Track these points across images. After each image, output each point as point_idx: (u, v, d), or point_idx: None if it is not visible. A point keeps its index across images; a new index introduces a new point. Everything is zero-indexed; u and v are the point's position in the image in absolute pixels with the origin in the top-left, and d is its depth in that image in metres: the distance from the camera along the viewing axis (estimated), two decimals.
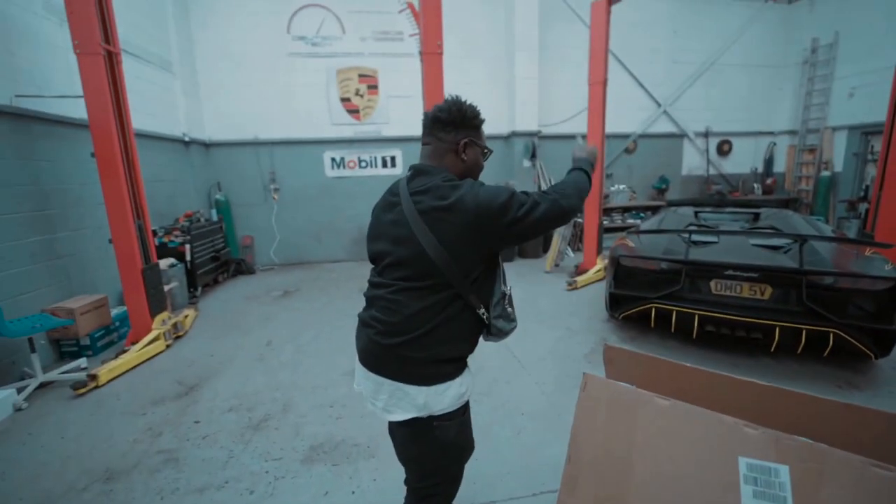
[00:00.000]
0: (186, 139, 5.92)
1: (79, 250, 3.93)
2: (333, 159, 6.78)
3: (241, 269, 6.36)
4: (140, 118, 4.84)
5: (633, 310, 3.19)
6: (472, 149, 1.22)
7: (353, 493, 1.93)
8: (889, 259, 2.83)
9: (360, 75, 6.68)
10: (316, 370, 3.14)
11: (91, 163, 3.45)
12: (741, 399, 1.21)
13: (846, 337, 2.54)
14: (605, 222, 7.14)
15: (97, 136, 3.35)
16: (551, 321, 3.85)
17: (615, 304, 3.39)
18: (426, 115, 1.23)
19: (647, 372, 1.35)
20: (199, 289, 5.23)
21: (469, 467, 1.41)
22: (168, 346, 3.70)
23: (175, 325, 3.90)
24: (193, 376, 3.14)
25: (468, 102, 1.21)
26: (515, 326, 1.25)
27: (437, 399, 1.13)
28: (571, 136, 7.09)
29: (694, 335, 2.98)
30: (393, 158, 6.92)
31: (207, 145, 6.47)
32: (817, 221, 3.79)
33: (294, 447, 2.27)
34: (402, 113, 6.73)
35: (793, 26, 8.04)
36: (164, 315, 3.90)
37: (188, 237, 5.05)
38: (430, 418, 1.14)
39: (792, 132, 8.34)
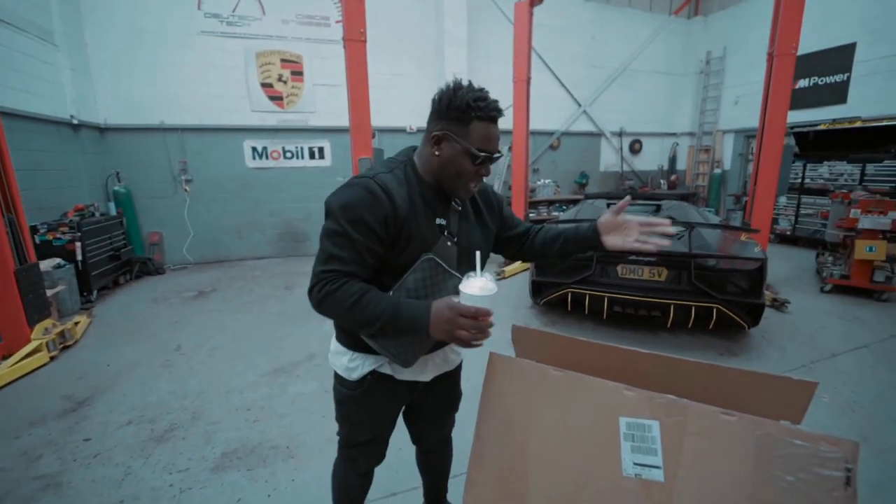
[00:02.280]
0: (75, 122, 5.16)
1: None
2: (255, 149, 6.33)
3: (148, 268, 5.73)
4: (10, 95, 4.15)
5: (553, 295, 3.39)
6: (449, 145, 1.00)
7: (269, 496, 1.83)
8: (759, 243, 3.31)
9: (283, 60, 6.29)
10: (231, 374, 2.93)
11: None
12: (628, 365, 1.34)
13: (726, 311, 2.92)
14: (531, 215, 7.50)
15: None
16: None
17: (537, 290, 3.57)
18: None
19: (550, 348, 1.43)
20: (95, 292, 4.62)
21: (393, 455, 1.42)
22: (53, 358, 3.22)
23: (62, 334, 3.41)
24: (84, 389, 2.77)
25: (464, 90, 0.98)
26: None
27: (333, 358, 1.24)
28: (501, 132, 7.31)
29: (604, 316, 3.25)
30: (321, 149, 6.63)
31: (102, 129, 5.70)
32: (708, 212, 4.30)
33: (203, 456, 2.10)
34: (330, 102, 6.46)
35: (692, 39, 9.01)
36: (48, 323, 3.40)
37: (78, 234, 4.43)
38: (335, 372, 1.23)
39: (691, 134, 9.39)
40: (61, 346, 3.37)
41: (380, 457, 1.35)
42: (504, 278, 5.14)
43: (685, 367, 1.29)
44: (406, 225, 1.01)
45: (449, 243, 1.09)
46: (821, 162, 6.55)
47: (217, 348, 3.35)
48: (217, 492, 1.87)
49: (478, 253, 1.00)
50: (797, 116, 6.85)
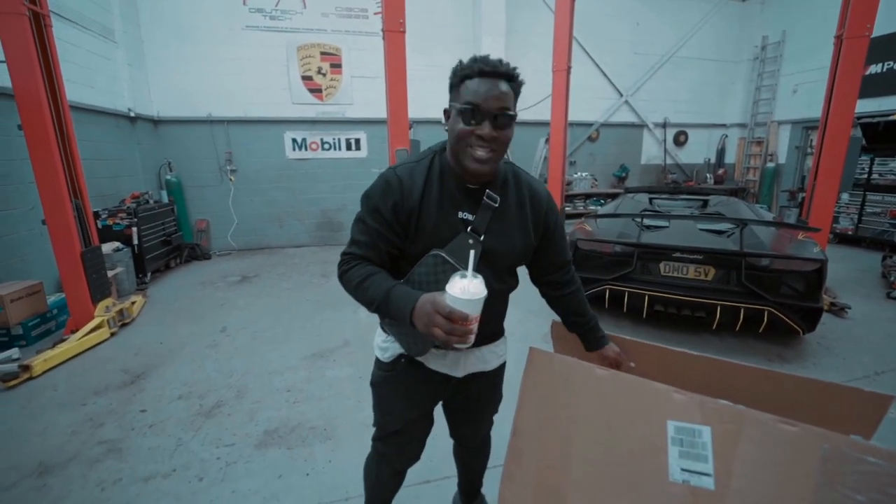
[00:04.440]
0: (132, 114, 5.51)
1: (7, 232, 3.60)
2: (294, 140, 6.53)
3: (196, 254, 6.06)
4: (77, 90, 4.47)
5: (590, 291, 3.30)
6: (451, 116, 1.00)
7: (308, 474, 1.91)
8: (818, 243, 3.07)
9: (323, 53, 6.42)
10: (272, 356, 3.06)
11: (19, 136, 3.14)
12: (675, 368, 1.28)
13: (778, 314, 2.74)
14: (567, 208, 7.32)
15: (24, 107, 3.04)
16: (513, 304, 3.90)
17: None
18: None
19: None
20: (149, 274, 4.95)
21: (429, 444, 1.43)
22: (113, 334, 3.49)
23: (121, 312, 3.68)
24: (140, 365, 2.99)
25: (470, 59, 0.97)
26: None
27: (375, 340, 1.24)
28: (537, 123, 7.16)
29: (644, 315, 3.13)
30: (357, 141, 6.74)
31: (156, 122, 6.05)
32: (760, 209, 4.04)
33: (247, 432, 2.21)
34: (366, 94, 6.55)
35: (746, 23, 8.41)
36: (108, 302, 3.67)
37: (135, 219, 4.74)
38: None
39: (742, 125, 8.81)
40: (120, 323, 3.64)
41: (413, 455, 1.33)
42: None
43: (740, 372, 1.22)
44: (417, 215, 1.01)
45: (471, 241, 1.03)
46: (892, 156, 5.98)
47: (259, 331, 3.51)
48: (260, 467, 1.96)
49: (472, 252, 0.92)
50: (866, 106, 6.27)
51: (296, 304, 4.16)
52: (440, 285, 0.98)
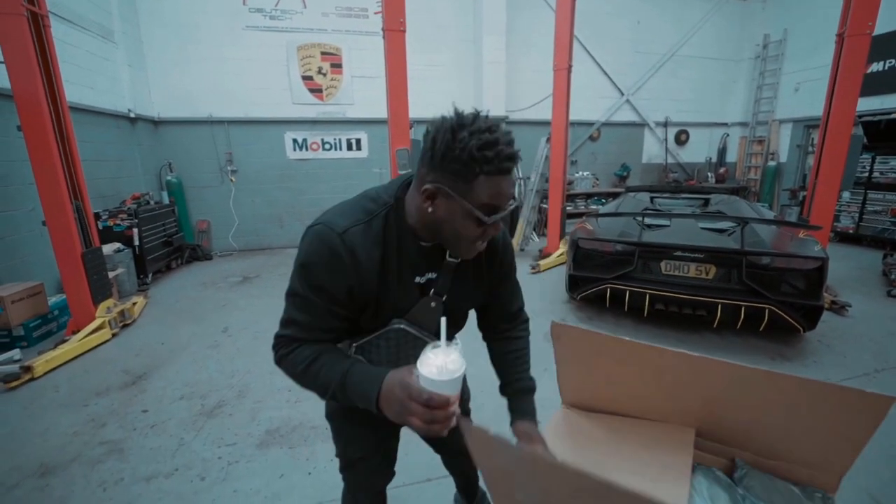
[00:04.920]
0: (132, 115, 5.52)
1: (7, 234, 3.61)
2: (295, 140, 6.53)
3: (197, 254, 6.07)
4: (76, 90, 4.47)
5: (590, 290, 3.30)
6: (446, 203, 0.77)
7: (310, 473, 1.91)
8: (819, 241, 3.07)
9: (323, 53, 6.42)
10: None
11: (19, 137, 3.15)
12: (673, 370, 1.28)
13: (779, 312, 2.74)
14: (568, 208, 7.32)
15: (23, 108, 3.05)
16: None
17: (574, 285, 3.49)
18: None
19: (591, 346, 1.40)
20: (150, 275, 4.95)
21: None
22: (114, 335, 3.49)
23: (122, 313, 3.69)
24: (142, 365, 2.99)
25: (466, 133, 0.71)
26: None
27: None
28: (537, 122, 7.16)
29: (645, 313, 3.13)
30: (358, 141, 6.74)
31: (156, 122, 6.05)
32: (761, 207, 4.03)
33: (249, 432, 2.22)
34: (367, 94, 6.54)
35: (747, 22, 8.39)
36: (110, 303, 3.67)
37: (135, 220, 4.75)
38: None
39: (743, 124, 8.80)
40: (121, 324, 3.65)
41: (388, 474, 1.22)
42: (539, 272, 5.06)
43: (738, 373, 1.22)
44: (376, 296, 0.87)
45: (433, 304, 0.94)
46: (894, 154, 5.97)
47: (261, 332, 3.51)
48: (262, 466, 1.97)
49: (442, 320, 0.76)
50: (868, 104, 6.25)
51: None
52: (405, 358, 0.91)
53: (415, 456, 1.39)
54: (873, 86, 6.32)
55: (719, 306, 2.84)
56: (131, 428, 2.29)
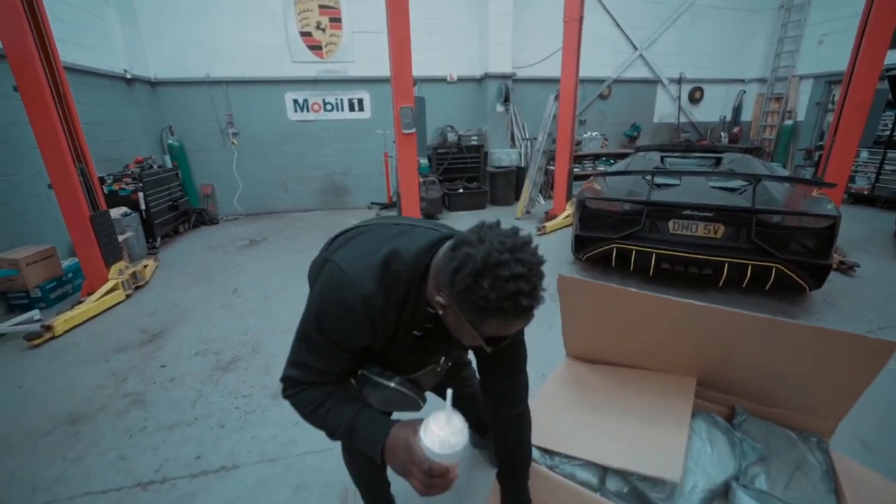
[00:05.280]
0: (128, 76, 5.37)
1: (14, 198, 3.63)
2: (296, 101, 6.36)
3: (203, 219, 6.10)
4: (69, 50, 4.32)
5: (596, 251, 3.30)
6: (456, 319, 0.78)
7: None
8: (832, 199, 3.01)
9: (321, 6, 6.11)
10: (285, 315, 3.14)
11: (16, 98, 3.09)
12: (681, 319, 1.30)
13: (787, 271, 2.73)
14: (575, 169, 7.18)
15: (16, 67, 2.97)
16: None
17: (580, 245, 3.48)
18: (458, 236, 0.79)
19: (596, 298, 1.41)
20: (158, 239, 5.00)
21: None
22: (128, 296, 3.58)
23: (134, 275, 3.76)
24: (157, 324, 3.08)
25: (489, 276, 0.67)
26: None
27: None
28: (546, 80, 6.89)
29: (651, 273, 3.13)
30: (361, 101, 6.55)
31: (153, 84, 5.90)
32: (775, 166, 3.93)
33: (264, 385, 2.31)
34: (368, 51, 6.28)
35: None
36: (121, 265, 3.74)
37: (140, 184, 4.74)
38: None
39: (761, 80, 8.41)
40: (134, 286, 3.73)
41: None
42: (545, 234, 5.04)
43: (744, 322, 1.23)
44: (382, 347, 0.92)
45: (438, 369, 1.05)
46: None
47: (271, 292, 3.58)
48: (277, 415, 2.07)
49: (449, 391, 0.77)
50: None
51: (305, 267, 4.12)
52: (387, 404, 0.99)
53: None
54: None
55: (726, 265, 2.83)
56: (151, 382, 2.39)
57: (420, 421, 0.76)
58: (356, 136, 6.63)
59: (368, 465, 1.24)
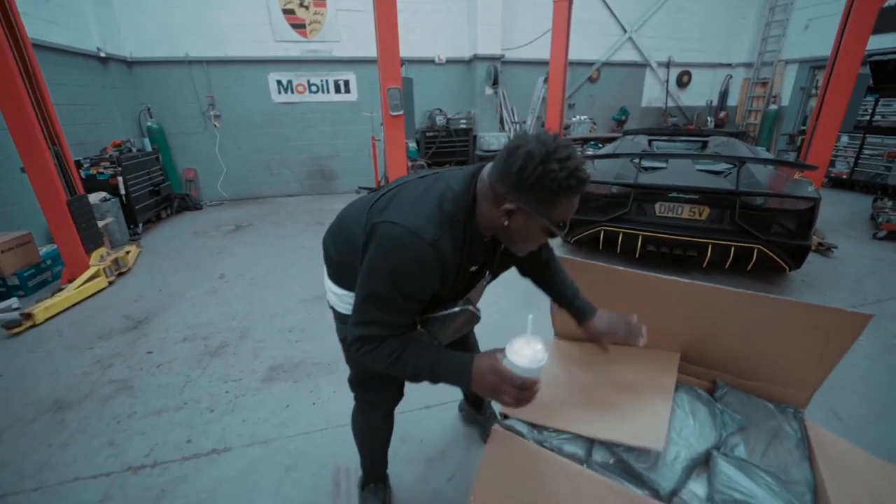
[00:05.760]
0: (102, 54, 5.14)
1: None
2: (279, 82, 6.18)
3: (187, 204, 5.95)
4: (36, 25, 4.12)
5: (584, 233, 3.33)
6: (525, 220, 0.86)
7: (314, 404, 2.02)
8: (813, 182, 3.07)
9: None
10: (272, 300, 3.12)
11: None
12: (661, 294, 1.33)
13: (768, 252, 2.80)
14: None
15: None
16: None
17: (568, 228, 3.50)
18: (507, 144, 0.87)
19: (582, 276, 1.43)
20: (140, 225, 4.88)
21: None
22: (111, 283, 3.51)
23: (116, 262, 3.67)
24: (142, 311, 3.03)
25: (555, 161, 0.79)
26: None
27: (335, 299, 1.18)
28: (535, 62, 6.81)
29: (637, 255, 3.18)
30: (347, 83, 6.40)
31: (129, 63, 5.66)
32: (759, 150, 3.99)
33: (253, 369, 2.31)
34: (354, 30, 6.12)
35: None
36: (102, 251, 3.65)
37: (119, 168, 4.60)
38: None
39: (748, 64, 8.45)
40: (116, 272, 3.65)
41: (400, 393, 1.32)
42: None
43: (722, 297, 1.27)
44: (448, 286, 0.98)
45: (486, 283, 1.11)
46: None
47: (258, 277, 3.54)
48: (267, 398, 2.07)
49: (529, 317, 0.89)
50: (879, 42, 5.99)
51: (292, 251, 4.17)
52: (458, 331, 1.10)
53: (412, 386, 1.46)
54: (887, 22, 6.02)
55: (710, 247, 2.89)
56: (138, 368, 2.37)
57: (495, 350, 0.89)
58: (343, 119, 6.50)
59: (377, 436, 1.35)
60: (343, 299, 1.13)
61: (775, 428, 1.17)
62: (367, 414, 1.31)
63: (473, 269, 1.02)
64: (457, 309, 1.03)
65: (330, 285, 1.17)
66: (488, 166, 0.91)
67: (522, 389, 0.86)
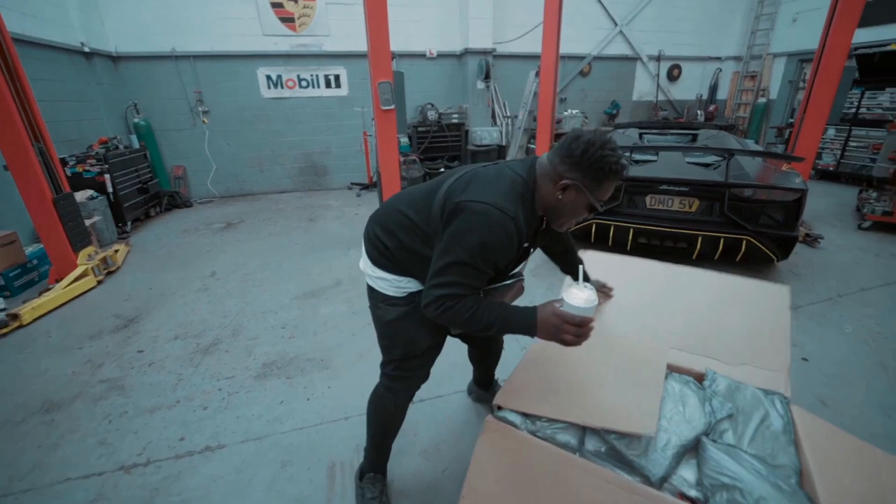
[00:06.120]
0: (86, 49, 5.03)
1: None
2: (269, 77, 6.11)
3: (176, 201, 5.88)
4: (16, 19, 4.02)
5: (576, 227, 3.34)
6: (576, 195, 1.06)
7: (308, 399, 2.02)
8: (800, 174, 3.12)
9: None
10: (265, 297, 3.10)
11: None
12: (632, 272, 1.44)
13: (756, 243, 2.84)
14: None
15: None
16: None
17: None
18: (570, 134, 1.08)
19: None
20: (129, 223, 4.82)
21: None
22: (99, 282, 3.46)
23: (104, 261, 3.62)
24: (132, 309, 3.00)
25: (608, 149, 1.01)
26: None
27: (377, 282, 1.27)
28: (527, 56, 6.80)
29: (628, 247, 3.21)
30: (337, 77, 6.34)
31: (115, 58, 5.55)
32: (748, 142, 4.03)
33: (246, 366, 2.29)
34: (344, 24, 6.05)
35: None
36: (90, 250, 3.59)
37: (106, 166, 4.52)
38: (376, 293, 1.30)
39: (737, 58, 8.51)
40: (105, 271, 3.60)
41: (427, 375, 1.41)
42: None
43: (683, 274, 1.40)
44: (511, 257, 1.13)
45: (530, 252, 1.28)
46: (882, 89, 5.91)
47: (250, 274, 3.52)
48: (261, 395, 2.06)
49: (581, 267, 1.15)
50: (864, 35, 6.07)
51: (284, 248, 4.14)
52: (502, 295, 1.25)
53: None
54: (872, 15, 6.09)
55: (700, 238, 2.92)
56: (129, 367, 2.34)
57: (552, 301, 1.06)
58: (334, 114, 6.45)
59: (399, 416, 1.43)
60: (393, 283, 1.25)
61: (763, 414, 1.20)
62: (396, 393, 1.38)
63: (525, 244, 1.17)
64: (511, 281, 1.22)
65: (378, 272, 1.26)
66: (545, 155, 1.12)
67: (580, 327, 1.02)
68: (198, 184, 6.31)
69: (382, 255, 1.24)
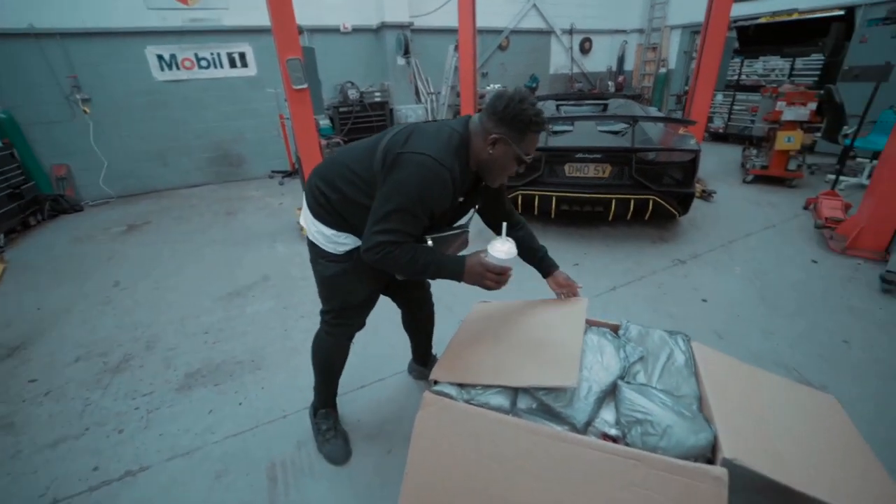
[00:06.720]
0: None
1: None
2: (161, 57, 5.40)
3: (62, 206, 5.09)
4: None
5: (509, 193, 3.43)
6: (504, 148, 1.16)
7: (241, 404, 1.90)
8: (695, 136, 3.46)
9: None
10: (182, 302, 2.83)
11: None
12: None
13: (660, 202, 3.12)
14: None
15: None
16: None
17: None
18: (495, 93, 1.17)
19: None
20: (2, 236, 4.09)
21: (360, 353, 1.48)
22: None
23: None
24: (16, 336, 2.58)
25: (527, 104, 1.11)
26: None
27: (317, 236, 1.33)
28: (445, 30, 6.71)
29: (552, 215, 3.38)
30: (242, 55, 5.78)
31: None
32: (650, 109, 4.36)
33: (166, 379, 2.10)
34: None
35: None
36: None
37: None
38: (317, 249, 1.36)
39: (640, 31, 9.12)
40: None
41: (363, 322, 1.52)
42: None
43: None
44: (446, 209, 1.21)
45: (472, 211, 1.39)
46: (757, 57, 6.69)
47: (163, 279, 3.18)
48: (186, 408, 1.90)
49: (504, 224, 1.26)
50: (742, 9, 6.78)
51: (202, 247, 3.79)
52: (449, 245, 1.33)
53: (348, 370, 1.44)
54: None
55: (613, 201, 3.15)
56: (19, 400, 2.03)
57: (478, 251, 1.23)
58: (243, 97, 5.91)
59: (342, 354, 1.54)
60: (332, 240, 1.30)
61: (668, 353, 1.34)
62: (337, 337, 1.50)
63: (461, 199, 1.28)
64: (457, 231, 1.33)
65: (319, 227, 1.31)
66: (476, 115, 1.21)
67: (500, 275, 1.22)
68: (88, 184, 5.50)
69: (323, 208, 1.29)
